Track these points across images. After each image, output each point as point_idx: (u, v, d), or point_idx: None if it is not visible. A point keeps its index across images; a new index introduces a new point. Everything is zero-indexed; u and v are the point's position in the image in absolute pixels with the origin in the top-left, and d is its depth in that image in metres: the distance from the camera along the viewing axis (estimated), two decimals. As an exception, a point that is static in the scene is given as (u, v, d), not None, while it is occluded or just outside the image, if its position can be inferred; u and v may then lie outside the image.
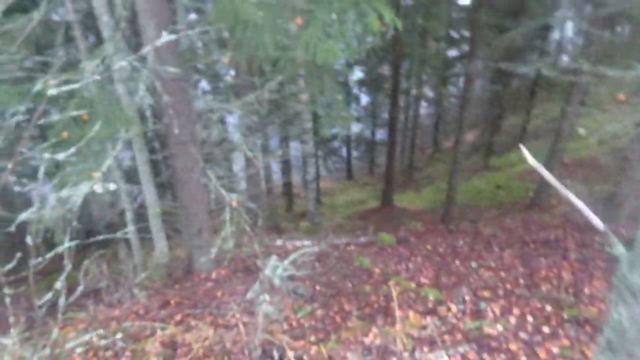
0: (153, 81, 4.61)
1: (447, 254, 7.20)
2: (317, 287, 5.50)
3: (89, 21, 8.53)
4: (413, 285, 5.65)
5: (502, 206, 12.57)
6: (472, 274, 6.00)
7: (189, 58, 7.37)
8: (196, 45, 8.23)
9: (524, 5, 13.75)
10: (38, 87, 2.66)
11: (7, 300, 2.63)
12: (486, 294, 5.16)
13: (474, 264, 6.43)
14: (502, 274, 5.91)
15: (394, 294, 4.65)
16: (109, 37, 5.31)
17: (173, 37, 2.76)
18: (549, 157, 9.43)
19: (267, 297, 3.77)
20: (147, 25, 4.83)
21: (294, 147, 19.65)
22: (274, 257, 4.35)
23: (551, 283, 5.42)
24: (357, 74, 23.08)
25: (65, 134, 4.45)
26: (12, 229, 2.84)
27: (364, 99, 26.59)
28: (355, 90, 25.04)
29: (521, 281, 5.59)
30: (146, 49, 3.02)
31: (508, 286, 5.41)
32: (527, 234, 7.85)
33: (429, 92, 25.18)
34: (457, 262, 6.62)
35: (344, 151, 28.57)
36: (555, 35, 18.30)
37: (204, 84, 12.05)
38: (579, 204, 2.01)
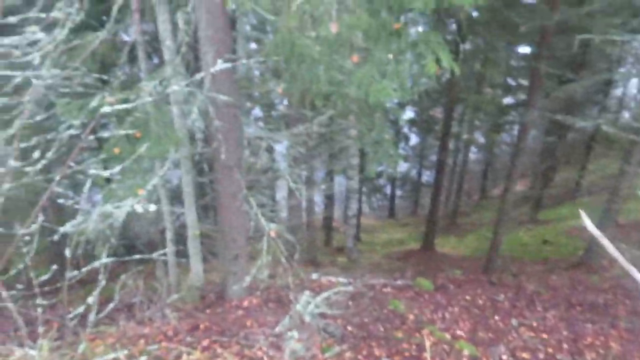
0: (207, 105, 4.71)
1: (487, 307, 6.93)
2: (348, 328, 5.36)
3: (155, 43, 8.91)
4: (448, 336, 5.44)
5: (548, 262, 12.08)
6: (511, 332, 5.74)
7: (245, 85, 7.53)
8: (253, 73, 8.42)
9: (587, 58, 13.50)
10: (94, 103, 2.75)
11: (40, 310, 2.67)
12: (525, 355, 4.91)
13: (514, 321, 6.16)
14: (544, 335, 5.63)
15: (427, 344, 4.49)
16: (169, 60, 5.49)
17: (228, 65, 2.81)
18: (603, 216, 9.04)
19: (295, 334, 3.69)
20: (207, 51, 4.96)
21: (339, 182, 19.69)
22: (306, 293, 4.28)
23: (597, 352, 5.11)
24: (409, 113, 23.12)
25: (116, 150, 4.59)
26: (56, 239, 2.91)
27: (414, 139, 26.55)
28: (405, 130, 25.04)
29: (564, 346, 5.31)
30: (202, 75, 3.09)
31: (550, 350, 5.14)
32: (573, 295, 7.50)
33: (480, 138, 24.86)
34: (497, 317, 6.36)
35: (388, 189, 28.42)
36: (617, 91, 17.85)
37: (257, 111, 12.29)
38: (635, 272, 1.88)
